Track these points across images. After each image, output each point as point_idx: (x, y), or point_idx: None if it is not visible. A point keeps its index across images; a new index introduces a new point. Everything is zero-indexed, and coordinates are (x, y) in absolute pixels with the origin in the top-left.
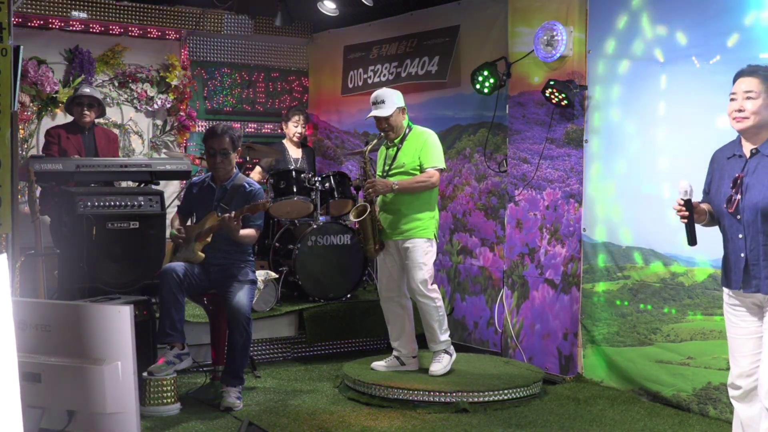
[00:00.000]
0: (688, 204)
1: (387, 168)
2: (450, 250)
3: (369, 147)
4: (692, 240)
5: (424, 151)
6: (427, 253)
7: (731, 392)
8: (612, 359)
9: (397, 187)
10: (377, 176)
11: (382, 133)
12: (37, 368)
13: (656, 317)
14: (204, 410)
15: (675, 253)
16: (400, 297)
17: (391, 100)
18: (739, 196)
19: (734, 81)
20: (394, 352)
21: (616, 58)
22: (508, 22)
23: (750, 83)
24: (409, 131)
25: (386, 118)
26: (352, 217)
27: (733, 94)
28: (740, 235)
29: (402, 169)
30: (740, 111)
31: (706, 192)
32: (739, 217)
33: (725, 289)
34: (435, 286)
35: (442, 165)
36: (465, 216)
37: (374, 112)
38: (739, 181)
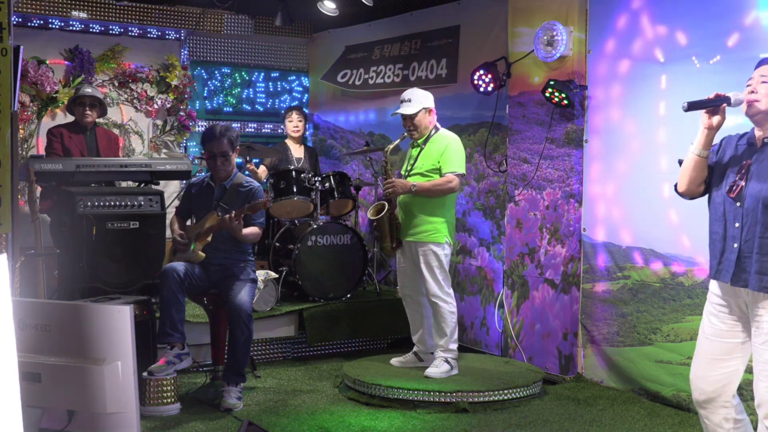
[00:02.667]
0: (723, 99)
1: (409, 168)
2: None
3: (390, 147)
4: (693, 105)
5: (445, 155)
6: (438, 256)
7: (695, 395)
8: (612, 359)
9: (415, 189)
10: (400, 175)
11: (406, 133)
12: (37, 368)
13: (656, 317)
14: (204, 410)
15: (675, 253)
16: (417, 295)
17: (418, 100)
18: (743, 183)
19: (755, 69)
20: (414, 348)
21: (616, 58)
22: (508, 22)
23: None
24: (434, 133)
25: (411, 117)
26: (369, 215)
27: (750, 79)
28: (737, 224)
29: (420, 171)
30: (753, 93)
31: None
32: (739, 204)
33: (714, 288)
34: (450, 291)
35: (462, 170)
36: (464, 216)
37: (400, 110)
38: (746, 167)
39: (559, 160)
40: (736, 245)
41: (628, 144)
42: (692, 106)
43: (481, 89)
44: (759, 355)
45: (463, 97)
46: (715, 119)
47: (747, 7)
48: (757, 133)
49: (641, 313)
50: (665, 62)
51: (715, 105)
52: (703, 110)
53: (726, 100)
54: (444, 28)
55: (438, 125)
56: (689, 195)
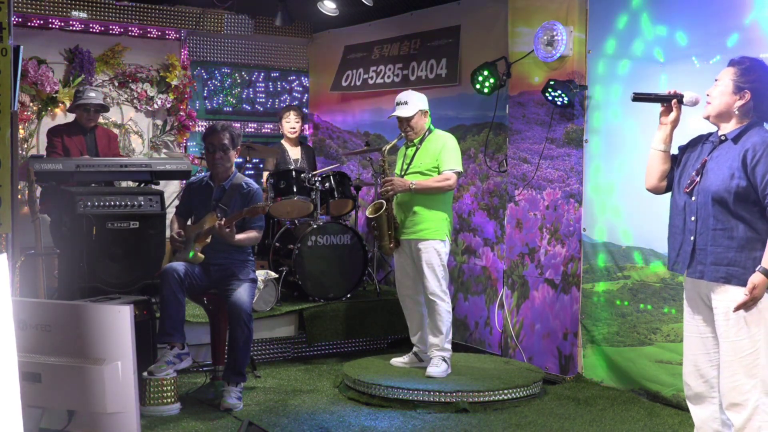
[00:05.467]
0: (678, 101)
1: (405, 167)
2: (455, 250)
3: (388, 146)
4: (639, 97)
5: (443, 153)
6: (440, 253)
7: (685, 390)
8: (612, 359)
9: (414, 186)
10: (395, 175)
11: (402, 134)
12: (37, 368)
13: (656, 317)
14: (204, 410)
15: None
16: (416, 294)
17: (414, 102)
18: (698, 178)
19: None
20: (414, 348)
21: (616, 58)
22: (508, 22)
23: (725, 71)
24: (429, 133)
25: (408, 119)
26: (367, 213)
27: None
28: (693, 218)
29: (419, 170)
30: (707, 95)
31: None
32: (694, 198)
33: (685, 285)
34: (447, 290)
35: (460, 168)
36: (469, 216)
37: (397, 112)
38: (703, 164)
39: (559, 160)
40: (692, 238)
41: (627, 144)
42: (638, 98)
43: (482, 90)
44: (719, 346)
45: (465, 97)
46: (671, 115)
47: (746, 8)
48: (719, 131)
49: (641, 313)
50: (665, 62)
51: (660, 101)
52: (660, 106)
53: (677, 97)
54: (444, 28)
55: (432, 126)
56: (654, 190)
